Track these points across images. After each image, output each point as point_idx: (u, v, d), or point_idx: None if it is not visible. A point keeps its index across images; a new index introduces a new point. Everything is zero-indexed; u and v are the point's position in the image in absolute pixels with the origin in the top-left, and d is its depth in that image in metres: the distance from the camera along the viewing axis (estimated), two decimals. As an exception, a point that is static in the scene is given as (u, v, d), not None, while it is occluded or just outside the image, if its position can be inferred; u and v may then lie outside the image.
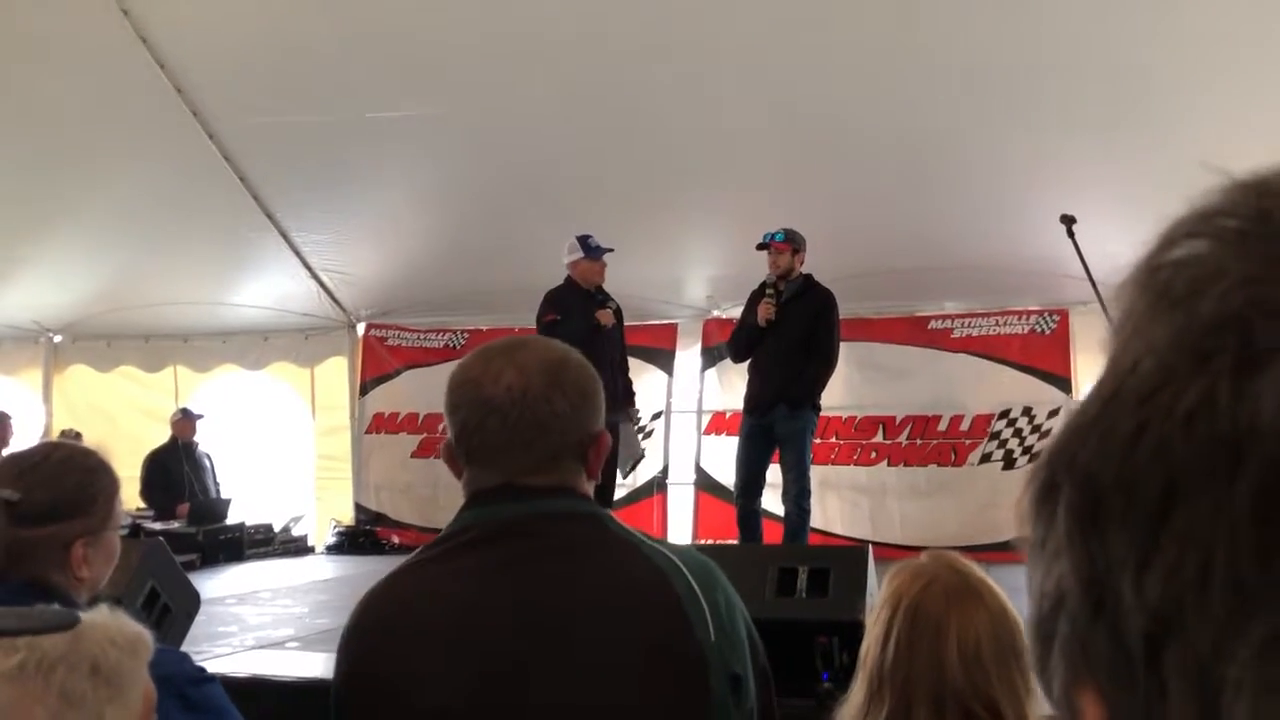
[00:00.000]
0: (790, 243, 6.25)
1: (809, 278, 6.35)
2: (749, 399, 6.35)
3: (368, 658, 1.40)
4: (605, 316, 6.40)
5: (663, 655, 1.32)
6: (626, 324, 9.06)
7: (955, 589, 1.60)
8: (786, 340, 6.14)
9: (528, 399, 1.38)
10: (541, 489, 1.40)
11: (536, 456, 1.40)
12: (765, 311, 6.16)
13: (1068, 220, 4.35)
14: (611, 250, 6.60)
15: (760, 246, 6.32)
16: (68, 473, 1.78)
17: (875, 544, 5.20)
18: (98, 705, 1.17)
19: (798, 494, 6.07)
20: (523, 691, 1.31)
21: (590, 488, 1.48)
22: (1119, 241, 7.14)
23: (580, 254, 6.51)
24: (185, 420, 9.17)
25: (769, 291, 6.23)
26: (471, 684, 1.32)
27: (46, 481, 1.75)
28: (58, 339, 10.29)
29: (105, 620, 1.25)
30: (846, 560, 3.41)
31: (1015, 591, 1.66)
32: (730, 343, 6.72)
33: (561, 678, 1.31)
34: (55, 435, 8.82)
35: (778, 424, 6.13)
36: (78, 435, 7.84)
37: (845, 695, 1.66)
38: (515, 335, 1.56)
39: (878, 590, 3.48)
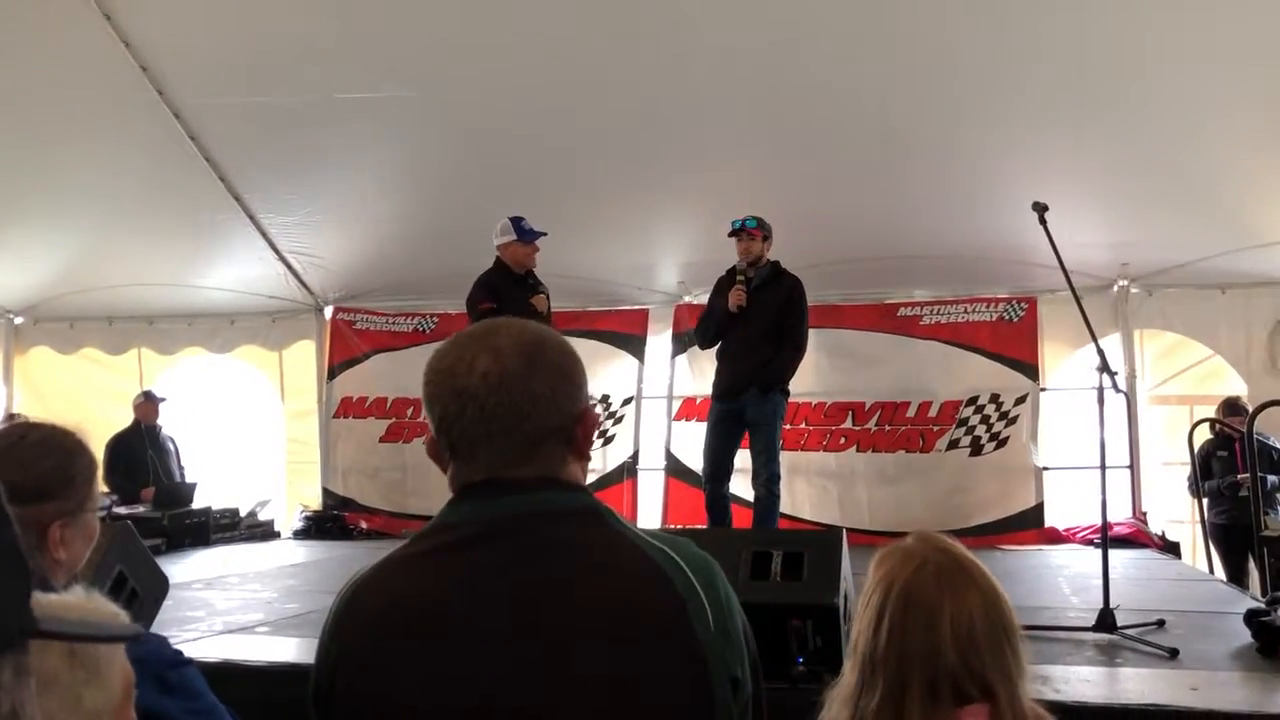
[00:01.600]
0: (761, 229, 6.29)
1: (777, 264, 6.37)
2: (718, 385, 6.36)
3: (354, 654, 1.34)
4: (540, 303, 6.32)
5: (665, 658, 1.29)
6: (597, 309, 9.09)
7: (946, 571, 1.60)
8: (757, 326, 6.16)
9: (504, 384, 1.34)
10: (529, 482, 1.36)
11: (519, 444, 1.35)
12: (737, 298, 6.18)
13: (1040, 208, 4.36)
14: (545, 234, 6.47)
15: (731, 233, 6.33)
16: (45, 453, 1.75)
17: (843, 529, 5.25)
18: (75, 687, 1.15)
19: (768, 478, 6.09)
20: (517, 702, 1.26)
21: (582, 471, 1.44)
22: (1088, 231, 7.25)
23: (513, 236, 6.39)
24: (148, 403, 9.05)
25: (739, 278, 6.25)
26: (462, 694, 1.27)
27: (23, 462, 1.72)
28: (18, 320, 10.14)
29: (79, 601, 1.22)
30: (821, 544, 3.42)
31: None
32: (698, 329, 6.72)
33: (557, 687, 1.26)
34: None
35: (748, 408, 6.14)
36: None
37: (835, 679, 1.65)
38: (488, 320, 1.49)
39: (851, 575, 3.50)
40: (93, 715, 1.16)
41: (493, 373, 1.35)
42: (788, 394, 6.34)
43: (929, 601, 1.57)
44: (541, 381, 1.36)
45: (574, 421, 1.40)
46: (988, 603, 1.58)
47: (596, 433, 9.15)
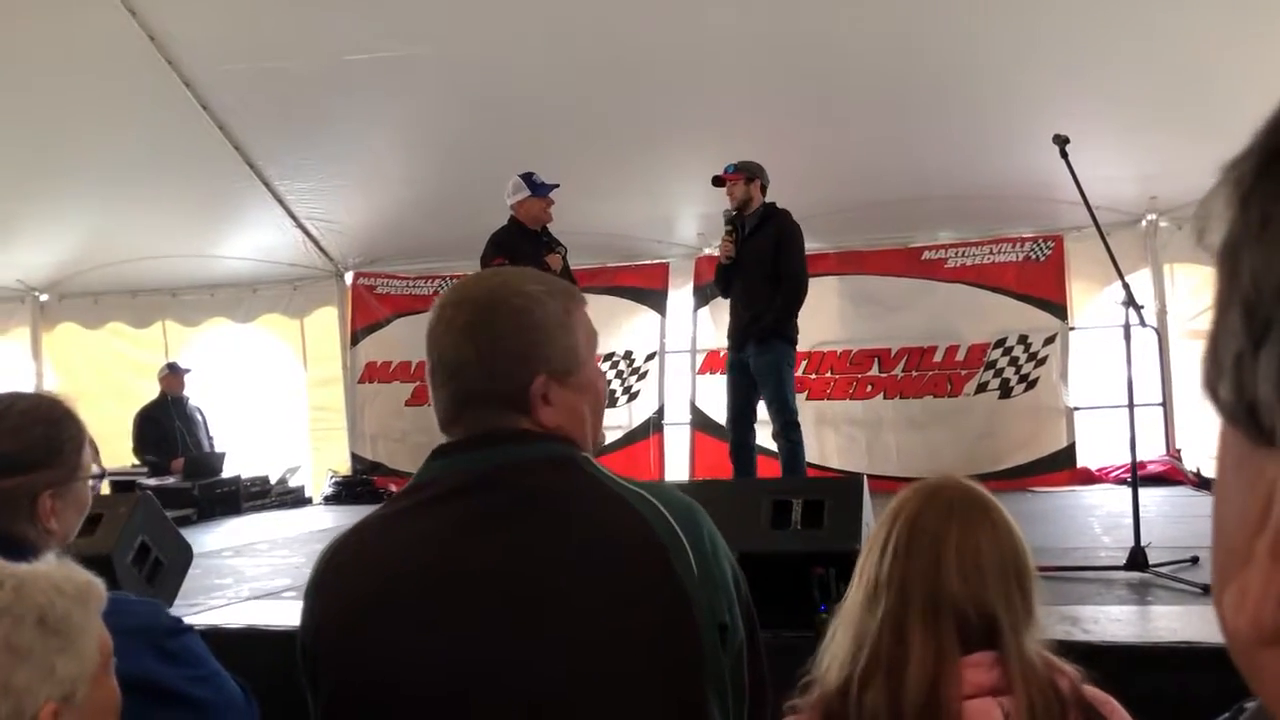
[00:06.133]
0: (742, 172, 6.14)
1: (769, 206, 6.22)
2: (729, 333, 6.34)
3: (333, 618, 1.33)
4: (555, 261, 6.21)
5: (649, 607, 1.26)
6: (617, 265, 9.02)
7: (959, 505, 1.57)
8: (751, 274, 6.08)
9: (468, 341, 1.36)
10: (507, 434, 1.35)
11: (491, 400, 1.35)
12: (724, 249, 6.14)
13: (1061, 140, 4.23)
14: (557, 185, 6.37)
15: (716, 182, 6.24)
16: (32, 423, 1.73)
17: (873, 477, 5.18)
18: (47, 656, 1.12)
19: (784, 426, 5.99)
20: (496, 657, 1.24)
21: (575, 421, 1.40)
22: (1114, 164, 7.07)
23: (526, 192, 6.30)
24: (173, 375, 9.11)
25: (727, 227, 6.16)
26: (441, 651, 1.25)
27: (10, 433, 1.70)
28: (44, 298, 10.20)
29: (50, 570, 1.19)
30: (841, 491, 3.37)
31: (1018, 517, 1.63)
32: (714, 279, 6.67)
33: (537, 641, 1.24)
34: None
35: (751, 360, 6.04)
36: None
37: (839, 604, 1.62)
38: (474, 274, 1.49)
39: (873, 521, 3.45)
40: (68, 684, 1.13)
41: (458, 325, 1.37)
42: (793, 341, 6.17)
43: (934, 529, 1.55)
44: (486, 340, 1.36)
45: (555, 372, 1.37)
46: (1000, 538, 1.55)
47: (622, 387, 9.04)
